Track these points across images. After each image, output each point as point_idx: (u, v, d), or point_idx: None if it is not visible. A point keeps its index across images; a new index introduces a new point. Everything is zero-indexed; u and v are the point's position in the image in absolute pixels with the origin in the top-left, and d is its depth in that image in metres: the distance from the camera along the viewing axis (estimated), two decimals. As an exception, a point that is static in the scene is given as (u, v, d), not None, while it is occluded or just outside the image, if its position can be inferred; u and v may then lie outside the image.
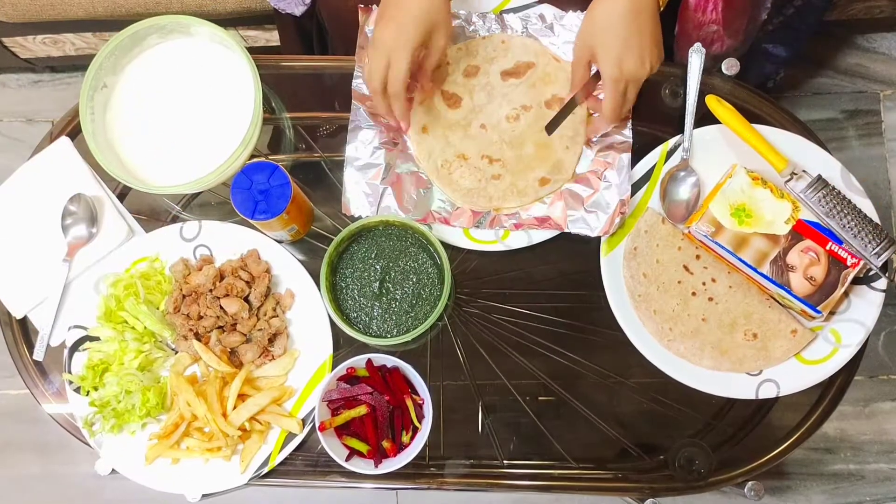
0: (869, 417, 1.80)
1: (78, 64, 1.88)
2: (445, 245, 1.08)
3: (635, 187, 1.12)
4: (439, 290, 1.06)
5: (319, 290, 1.07)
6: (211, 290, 1.09)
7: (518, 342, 1.13)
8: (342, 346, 1.12)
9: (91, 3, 1.50)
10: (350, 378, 1.06)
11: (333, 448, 1.02)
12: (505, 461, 1.11)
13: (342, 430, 1.04)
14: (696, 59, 1.12)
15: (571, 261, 1.16)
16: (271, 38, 1.70)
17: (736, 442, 1.11)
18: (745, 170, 1.07)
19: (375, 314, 1.07)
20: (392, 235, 1.09)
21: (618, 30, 0.98)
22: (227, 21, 1.56)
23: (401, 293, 1.08)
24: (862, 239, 1.05)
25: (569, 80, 1.12)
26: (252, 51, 1.12)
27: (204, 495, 1.08)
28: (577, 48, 1.04)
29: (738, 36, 1.22)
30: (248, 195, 1.03)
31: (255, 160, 1.05)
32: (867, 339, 1.08)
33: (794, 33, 1.41)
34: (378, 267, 1.08)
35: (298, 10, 1.31)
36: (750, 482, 1.08)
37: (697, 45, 1.12)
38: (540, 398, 1.13)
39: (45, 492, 1.82)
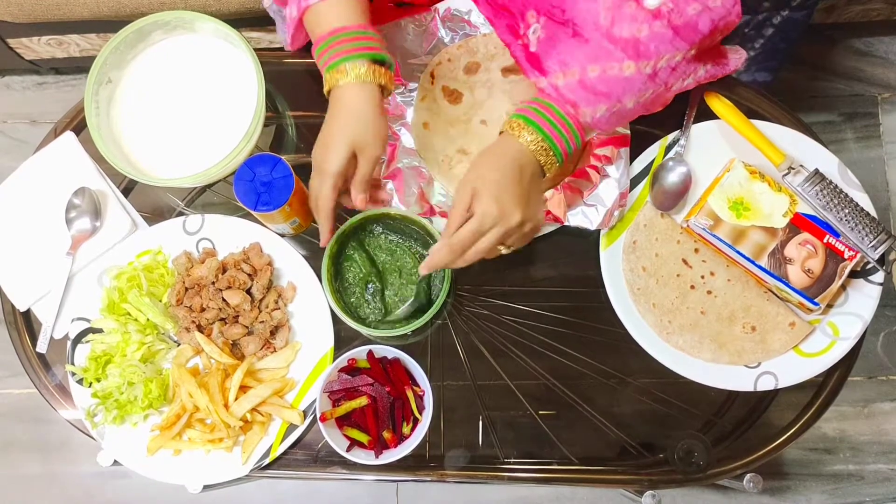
0: (868, 418, 1.81)
1: (82, 66, 1.90)
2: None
3: (634, 182, 1.13)
4: (440, 284, 1.07)
5: (321, 282, 1.08)
6: (213, 283, 1.10)
7: (518, 341, 1.14)
8: (343, 339, 1.13)
9: (96, 4, 1.52)
10: (351, 369, 1.07)
11: (334, 438, 1.03)
12: (505, 460, 1.11)
13: (343, 421, 1.05)
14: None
15: (572, 260, 1.17)
16: (274, 39, 1.72)
17: (735, 438, 1.12)
18: (743, 164, 1.08)
19: (376, 306, 1.08)
20: (393, 228, 1.10)
21: (503, 172, 0.93)
22: (231, 21, 1.56)
23: (401, 286, 1.08)
24: (859, 232, 1.06)
25: None
26: (255, 52, 1.13)
27: (205, 486, 1.09)
28: (458, 192, 0.94)
29: None
30: (250, 187, 1.04)
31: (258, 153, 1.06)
32: (864, 334, 1.09)
33: (775, 55, 1.39)
34: (379, 259, 1.09)
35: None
36: (749, 474, 1.08)
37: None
38: (541, 398, 1.13)
39: (46, 491, 1.82)
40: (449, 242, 0.93)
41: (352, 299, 1.08)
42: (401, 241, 1.09)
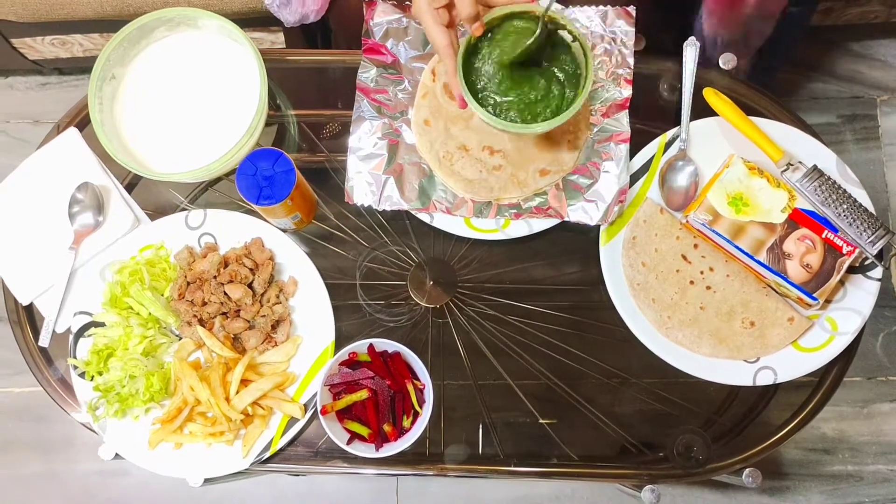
0: (867, 418, 1.81)
1: (85, 66, 1.89)
2: (446, 234, 1.09)
3: (634, 178, 1.13)
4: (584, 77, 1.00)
5: (457, 77, 1.00)
6: (215, 277, 1.10)
7: (519, 340, 1.14)
8: (344, 333, 1.13)
9: (100, 3, 1.53)
10: (352, 363, 1.07)
11: (335, 432, 1.03)
12: (505, 457, 1.12)
13: (344, 415, 1.05)
14: (690, 52, 1.14)
15: (572, 257, 1.18)
16: (276, 39, 1.72)
17: (734, 436, 1.12)
18: (742, 160, 1.08)
19: (509, 99, 1.03)
20: (526, 30, 1.02)
21: None
22: (233, 22, 1.58)
23: (536, 81, 1.03)
24: (857, 227, 1.06)
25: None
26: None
27: (206, 480, 1.09)
28: None
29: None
30: (252, 181, 1.04)
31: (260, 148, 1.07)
32: (863, 331, 1.09)
33: (775, 54, 1.38)
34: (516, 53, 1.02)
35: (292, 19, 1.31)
36: (748, 469, 1.09)
37: (692, 38, 1.15)
38: (541, 397, 1.13)
39: (46, 490, 1.82)
40: None
41: (483, 93, 1.04)
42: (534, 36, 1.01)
